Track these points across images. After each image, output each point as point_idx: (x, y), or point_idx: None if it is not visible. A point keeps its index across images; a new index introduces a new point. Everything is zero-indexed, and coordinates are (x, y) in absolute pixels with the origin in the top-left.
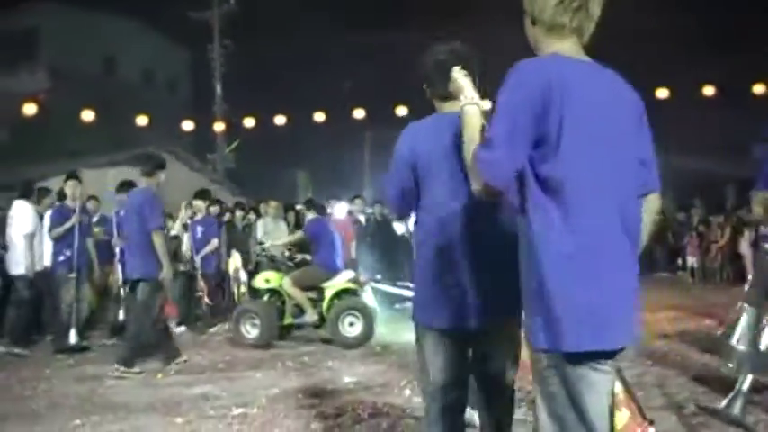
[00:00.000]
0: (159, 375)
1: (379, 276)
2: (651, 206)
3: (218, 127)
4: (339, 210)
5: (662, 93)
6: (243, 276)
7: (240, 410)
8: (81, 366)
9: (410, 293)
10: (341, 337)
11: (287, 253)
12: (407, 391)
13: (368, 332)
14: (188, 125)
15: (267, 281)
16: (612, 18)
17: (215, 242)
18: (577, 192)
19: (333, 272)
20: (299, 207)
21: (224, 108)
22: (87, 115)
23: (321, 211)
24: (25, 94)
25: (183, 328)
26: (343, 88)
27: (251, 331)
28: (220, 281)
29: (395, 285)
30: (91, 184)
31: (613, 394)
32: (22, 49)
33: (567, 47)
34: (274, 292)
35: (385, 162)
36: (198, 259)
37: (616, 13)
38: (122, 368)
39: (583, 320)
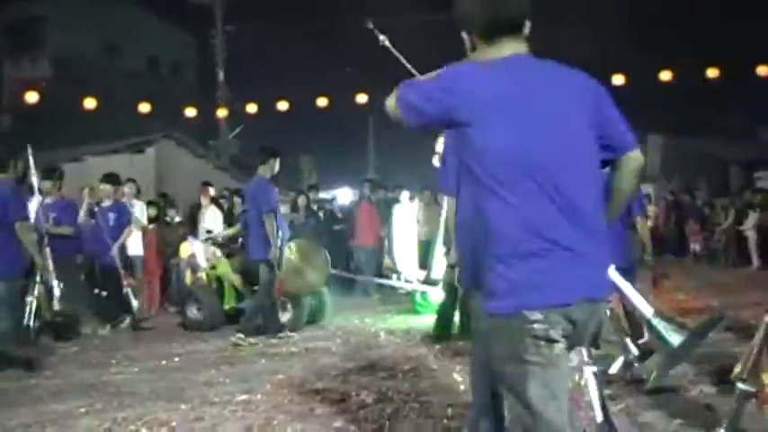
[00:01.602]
0: (164, 362)
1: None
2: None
3: (221, 113)
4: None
5: (665, 75)
6: (202, 263)
7: (244, 397)
8: (86, 353)
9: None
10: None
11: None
12: (412, 376)
13: (298, 318)
14: (191, 111)
15: (213, 267)
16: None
17: (130, 229)
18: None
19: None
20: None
21: (227, 94)
22: (90, 103)
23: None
24: (29, 82)
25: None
26: (345, 73)
27: (197, 315)
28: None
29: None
30: (94, 171)
31: None
32: (27, 37)
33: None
34: (219, 279)
35: (388, 146)
36: (115, 249)
37: None
38: (241, 336)
39: None
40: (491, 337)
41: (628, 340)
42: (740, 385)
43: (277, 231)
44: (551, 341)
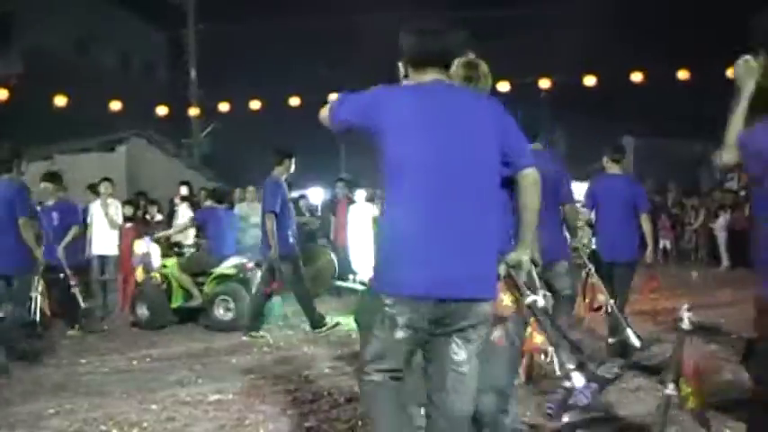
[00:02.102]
0: (135, 362)
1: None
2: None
3: (193, 112)
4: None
5: (636, 77)
6: (156, 263)
7: (216, 396)
8: (56, 354)
9: None
10: (215, 320)
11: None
12: None
13: (239, 317)
14: (162, 110)
15: (164, 266)
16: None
17: (75, 230)
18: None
19: (220, 258)
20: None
21: (199, 93)
22: (60, 100)
23: (220, 199)
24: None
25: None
26: (317, 72)
27: (146, 314)
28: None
29: None
30: (65, 169)
31: None
32: None
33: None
34: (167, 278)
35: (360, 146)
36: (60, 250)
37: None
38: (252, 333)
39: None
40: (367, 298)
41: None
42: (666, 390)
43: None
44: (394, 324)
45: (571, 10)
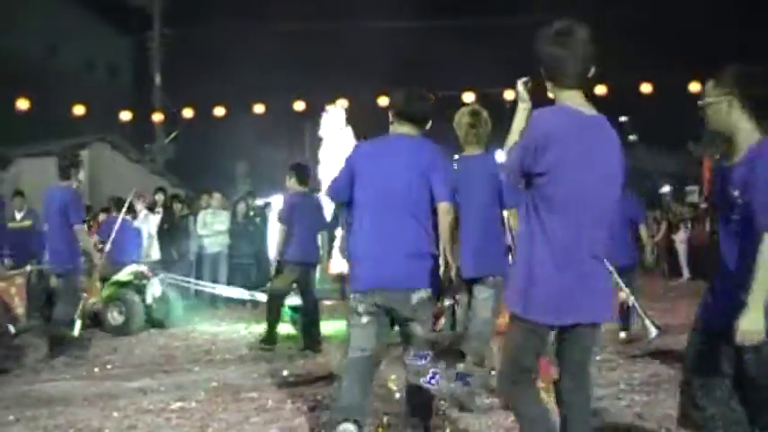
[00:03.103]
0: (96, 369)
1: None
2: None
3: (157, 117)
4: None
5: (600, 90)
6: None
7: (179, 404)
8: (17, 361)
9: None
10: (108, 325)
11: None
12: None
13: (130, 323)
14: (126, 115)
15: None
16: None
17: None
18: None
19: (119, 265)
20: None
21: (163, 98)
22: (23, 103)
23: (119, 208)
24: None
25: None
26: (283, 79)
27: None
28: None
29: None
30: (28, 173)
31: None
32: None
33: None
34: None
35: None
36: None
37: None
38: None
39: None
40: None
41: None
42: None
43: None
44: (359, 313)
45: (545, 19)
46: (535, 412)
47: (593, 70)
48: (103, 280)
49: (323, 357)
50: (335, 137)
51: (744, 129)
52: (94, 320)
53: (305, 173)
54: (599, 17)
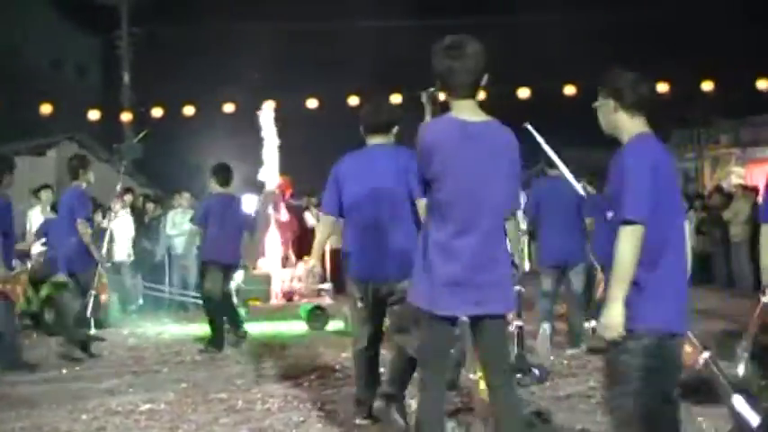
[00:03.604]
0: (64, 371)
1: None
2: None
3: (126, 116)
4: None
5: (569, 90)
6: None
7: (148, 406)
8: None
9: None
10: (44, 326)
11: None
12: (317, 384)
13: (60, 323)
14: (94, 114)
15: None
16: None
17: None
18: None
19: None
20: None
21: (132, 97)
22: None
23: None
24: None
25: None
26: (253, 79)
27: None
28: None
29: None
30: None
31: None
32: None
33: None
34: None
35: (294, 153)
36: None
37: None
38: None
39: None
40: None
41: None
42: (471, 376)
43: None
44: (355, 298)
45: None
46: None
47: (485, 80)
48: (41, 281)
49: (291, 357)
50: (268, 138)
51: (625, 128)
52: (35, 321)
53: (225, 174)
54: (575, 18)
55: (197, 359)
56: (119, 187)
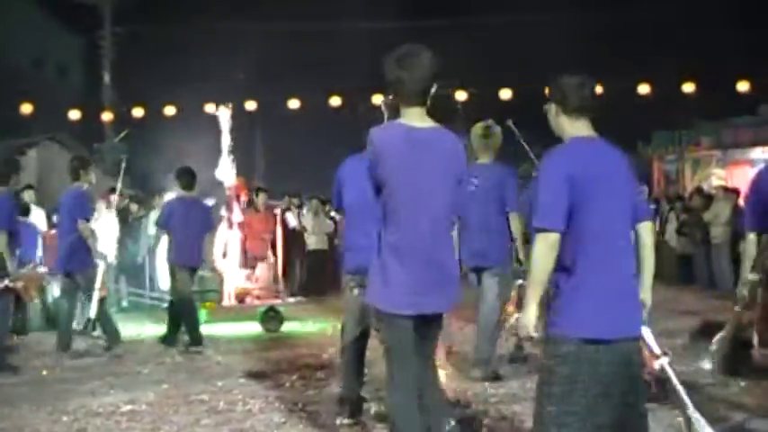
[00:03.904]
0: (45, 372)
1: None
2: None
3: (107, 116)
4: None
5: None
6: None
7: (129, 407)
8: None
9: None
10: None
11: None
12: (299, 385)
13: (28, 322)
14: (75, 114)
15: None
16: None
17: None
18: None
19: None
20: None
21: (113, 97)
22: None
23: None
24: None
25: None
26: (235, 79)
27: None
28: None
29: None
30: None
31: None
32: None
33: None
34: None
35: (276, 154)
36: None
37: None
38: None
39: None
40: None
41: None
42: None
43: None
44: (351, 287)
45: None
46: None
47: (434, 88)
48: None
49: (274, 359)
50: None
51: (565, 132)
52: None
53: (189, 178)
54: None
55: (178, 360)
56: (116, 188)
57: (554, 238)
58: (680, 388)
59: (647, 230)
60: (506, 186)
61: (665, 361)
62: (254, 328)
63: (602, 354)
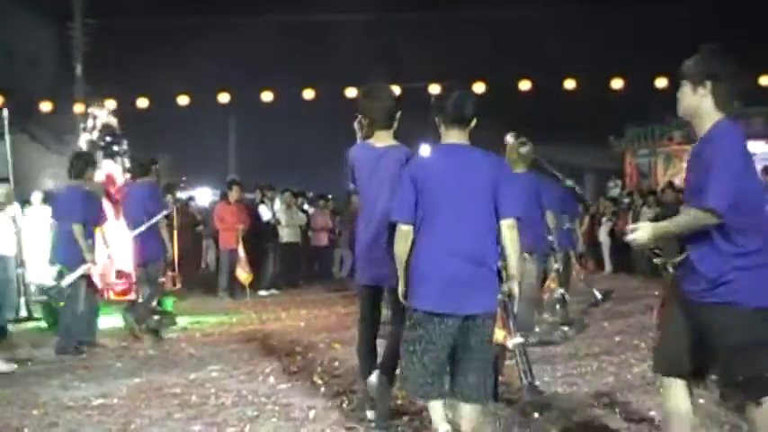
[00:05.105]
0: (15, 365)
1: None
2: None
3: (78, 108)
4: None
5: (524, 85)
6: None
7: (101, 401)
8: None
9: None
10: None
11: None
12: (272, 379)
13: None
14: (46, 106)
15: None
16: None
17: None
18: None
19: None
20: None
21: (85, 89)
22: None
23: None
24: None
25: None
26: (208, 71)
27: None
28: None
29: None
30: None
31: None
32: None
33: None
34: None
35: (249, 146)
36: None
37: None
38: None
39: None
40: None
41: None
42: None
43: None
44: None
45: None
46: None
47: (398, 115)
48: None
49: (247, 352)
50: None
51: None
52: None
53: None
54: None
55: (150, 353)
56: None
57: (405, 228)
58: (524, 367)
59: (506, 227)
60: (541, 191)
61: (518, 341)
62: (225, 319)
63: (448, 324)
